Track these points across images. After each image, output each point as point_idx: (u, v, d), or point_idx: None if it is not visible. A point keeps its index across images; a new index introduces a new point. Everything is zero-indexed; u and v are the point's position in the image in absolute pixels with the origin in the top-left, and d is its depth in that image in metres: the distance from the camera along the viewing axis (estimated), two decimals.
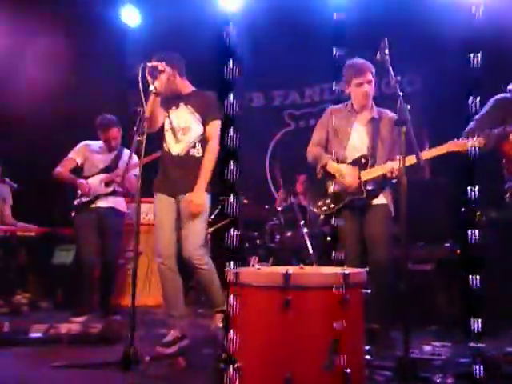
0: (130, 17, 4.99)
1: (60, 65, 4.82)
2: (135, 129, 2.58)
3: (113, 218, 3.69)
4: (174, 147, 2.83)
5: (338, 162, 2.87)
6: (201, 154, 2.82)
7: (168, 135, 2.86)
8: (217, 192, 4.10)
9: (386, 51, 2.48)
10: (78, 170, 3.77)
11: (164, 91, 2.67)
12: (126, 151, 3.82)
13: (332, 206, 2.85)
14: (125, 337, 2.72)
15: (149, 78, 2.59)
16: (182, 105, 2.84)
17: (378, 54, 2.71)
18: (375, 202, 2.80)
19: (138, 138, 2.45)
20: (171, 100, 2.84)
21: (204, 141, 2.82)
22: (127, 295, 3.89)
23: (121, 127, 3.77)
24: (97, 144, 3.82)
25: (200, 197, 2.72)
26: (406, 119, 2.20)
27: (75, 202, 3.67)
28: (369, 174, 2.75)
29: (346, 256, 2.84)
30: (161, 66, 2.59)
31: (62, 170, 3.70)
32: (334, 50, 4.46)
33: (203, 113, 2.82)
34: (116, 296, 3.92)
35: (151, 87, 2.57)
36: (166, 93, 2.73)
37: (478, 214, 3.46)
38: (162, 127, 2.86)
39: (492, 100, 2.87)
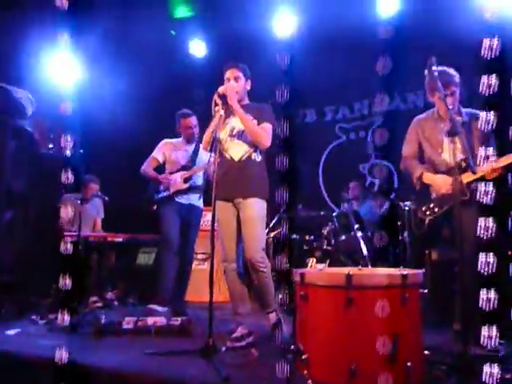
0: (198, 49, 5.26)
1: (140, 93, 5.12)
2: (209, 149, 2.72)
3: (192, 215, 3.69)
4: (234, 153, 2.79)
5: (435, 170, 2.76)
6: (260, 159, 2.81)
7: (227, 143, 2.81)
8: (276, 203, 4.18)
9: (434, 68, 2.45)
10: (160, 167, 3.81)
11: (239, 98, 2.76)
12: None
13: (436, 210, 2.72)
14: (200, 329, 2.86)
15: (219, 101, 2.65)
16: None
17: (425, 71, 2.68)
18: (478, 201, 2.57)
19: (213, 157, 2.57)
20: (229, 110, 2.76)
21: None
22: (198, 293, 3.97)
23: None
24: (176, 141, 3.82)
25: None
26: (458, 131, 2.16)
27: (157, 197, 3.70)
28: (470, 177, 2.57)
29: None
30: (229, 92, 2.67)
31: (147, 168, 3.75)
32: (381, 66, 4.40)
33: (258, 117, 2.80)
34: (188, 293, 3.90)
35: (221, 111, 2.65)
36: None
37: None
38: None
39: None
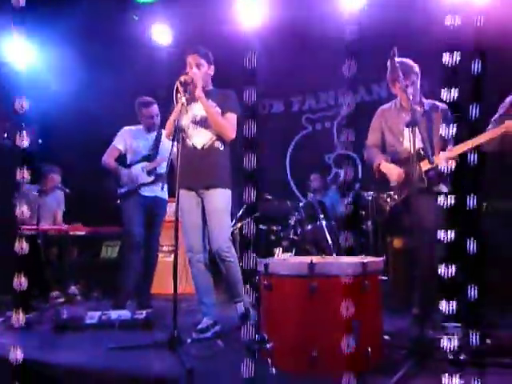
0: (161, 34, 5.13)
1: (101, 79, 4.96)
2: (171, 138, 2.65)
3: (157, 207, 3.60)
4: (197, 141, 2.75)
5: (396, 158, 2.81)
6: (223, 148, 2.77)
7: (190, 130, 2.77)
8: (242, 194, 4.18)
9: (396, 59, 2.49)
10: (122, 157, 3.68)
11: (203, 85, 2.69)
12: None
13: (396, 197, 2.79)
14: (166, 322, 2.85)
15: (181, 89, 2.58)
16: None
17: (388, 62, 2.73)
18: (436, 189, 2.70)
19: (175, 145, 2.51)
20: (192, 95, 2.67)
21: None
22: (164, 285, 3.93)
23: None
24: (137, 128, 3.68)
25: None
26: (417, 121, 2.22)
27: (120, 191, 3.55)
28: (427, 165, 2.63)
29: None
30: (192, 77, 2.61)
31: (108, 159, 3.61)
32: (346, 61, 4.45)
33: (222, 105, 2.76)
34: (153, 285, 3.79)
35: (183, 99, 2.56)
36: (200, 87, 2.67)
37: (484, 204, 3.42)
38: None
39: (509, 98, 2.78)
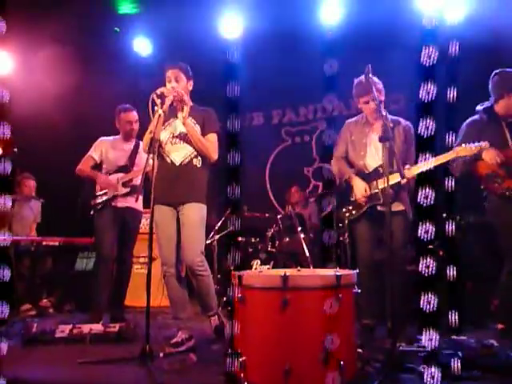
0: (142, 47, 5.13)
1: (81, 90, 4.92)
2: (147, 149, 2.62)
3: (130, 218, 3.52)
4: (176, 157, 2.76)
5: (358, 173, 2.87)
6: (201, 165, 2.78)
7: (168, 146, 2.76)
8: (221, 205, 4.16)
9: (370, 75, 2.55)
10: (97, 167, 3.60)
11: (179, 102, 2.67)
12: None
13: (354, 212, 2.85)
14: (139, 335, 2.79)
15: (158, 101, 2.55)
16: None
17: (363, 78, 2.79)
18: (393, 208, 2.69)
19: (151, 157, 2.48)
20: (172, 111, 2.72)
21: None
22: (140, 297, 3.86)
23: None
24: (113, 138, 3.62)
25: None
26: (389, 136, 2.26)
27: (94, 202, 3.47)
28: (384, 182, 2.67)
29: (361, 257, 2.83)
30: (167, 91, 2.60)
31: (83, 167, 3.55)
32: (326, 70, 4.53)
33: (203, 125, 2.78)
34: (129, 298, 3.75)
35: (159, 110, 2.54)
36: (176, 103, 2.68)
37: (458, 218, 3.50)
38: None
39: (464, 126, 2.91)
